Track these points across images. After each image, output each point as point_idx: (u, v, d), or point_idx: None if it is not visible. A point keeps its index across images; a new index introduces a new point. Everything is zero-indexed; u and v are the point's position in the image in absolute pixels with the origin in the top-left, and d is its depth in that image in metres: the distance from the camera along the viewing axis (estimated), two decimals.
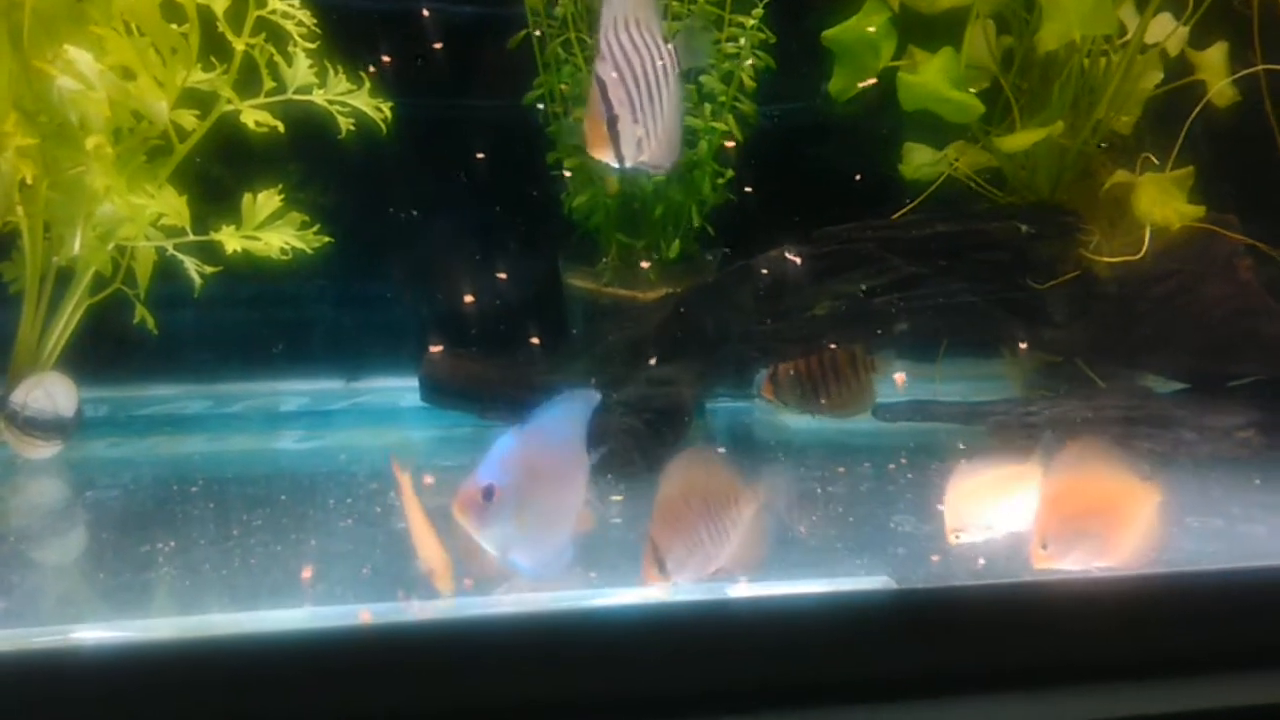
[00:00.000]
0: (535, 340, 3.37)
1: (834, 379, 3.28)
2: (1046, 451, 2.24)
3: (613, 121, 1.84)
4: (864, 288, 3.18)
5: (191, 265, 3.08)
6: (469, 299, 3.52)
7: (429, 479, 2.35)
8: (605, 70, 1.86)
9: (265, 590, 2.27)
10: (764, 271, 3.18)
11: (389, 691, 1.86)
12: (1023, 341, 3.25)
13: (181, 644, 1.91)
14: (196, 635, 1.98)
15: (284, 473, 3.07)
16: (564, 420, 1.90)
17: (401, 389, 3.50)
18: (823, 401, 3.29)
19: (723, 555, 2.00)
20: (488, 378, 3.29)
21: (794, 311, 3.21)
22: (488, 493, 1.81)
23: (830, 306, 3.17)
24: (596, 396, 1.90)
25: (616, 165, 1.91)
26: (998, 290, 3.21)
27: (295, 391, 3.62)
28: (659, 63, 1.91)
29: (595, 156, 1.91)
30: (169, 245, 3.06)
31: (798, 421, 3.60)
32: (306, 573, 2.33)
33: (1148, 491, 2.16)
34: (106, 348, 3.29)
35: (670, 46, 1.94)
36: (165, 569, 2.36)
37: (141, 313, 3.11)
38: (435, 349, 3.34)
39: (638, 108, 1.87)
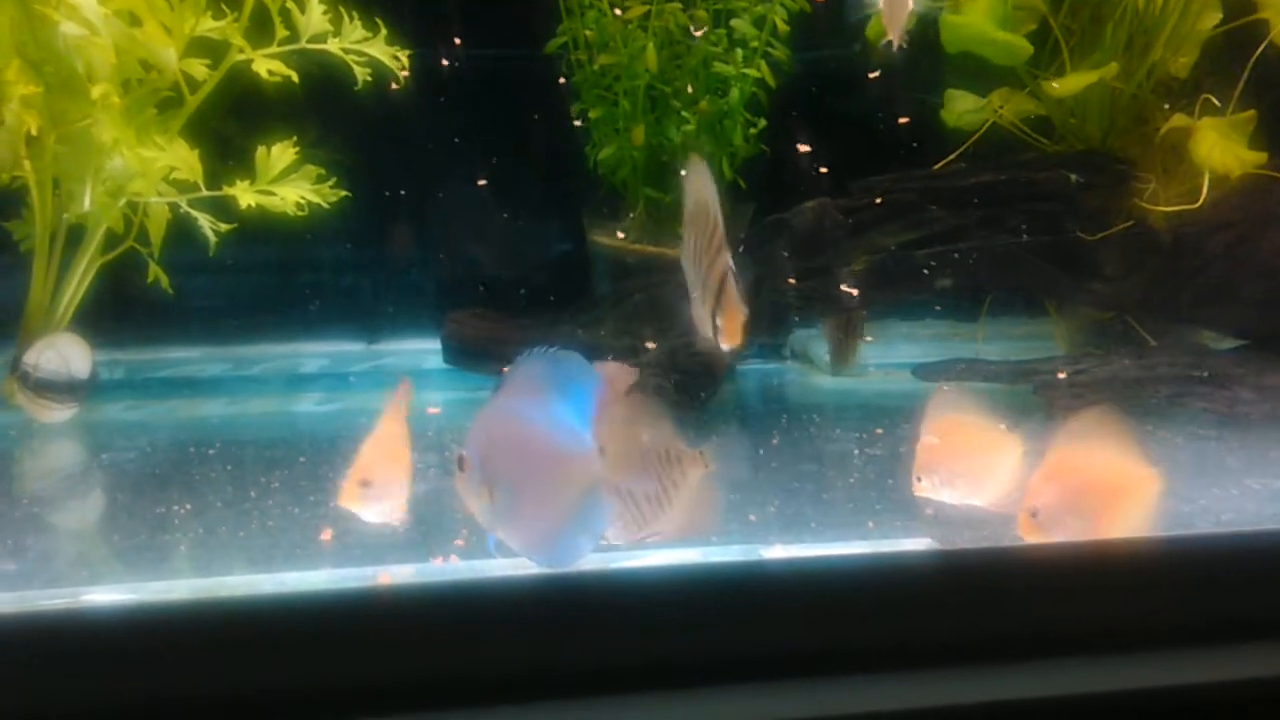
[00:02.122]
0: (560, 300, 3.25)
1: None
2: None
3: (744, 310, 1.86)
4: (904, 240, 3.03)
5: (206, 223, 2.98)
6: (492, 258, 3.40)
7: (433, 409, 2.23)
8: (732, 264, 1.85)
9: (282, 553, 2.19)
10: (799, 225, 3.04)
11: (401, 656, 1.76)
12: (1072, 296, 3.09)
13: (195, 606, 1.83)
14: (210, 597, 1.90)
15: (303, 435, 2.99)
16: (536, 384, 1.70)
17: (424, 350, 3.40)
18: None
19: (660, 519, 1.86)
20: (511, 339, 3.18)
21: (831, 266, 3.07)
22: (460, 461, 1.66)
23: (869, 261, 3.03)
24: (574, 355, 1.71)
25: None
26: (1046, 243, 3.06)
27: (315, 354, 3.53)
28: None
29: (728, 345, 1.88)
30: (182, 201, 2.97)
31: (831, 382, 3.48)
32: (325, 534, 2.24)
33: (1151, 478, 2.02)
34: (123, 309, 3.21)
35: None
36: (181, 531, 2.29)
37: (155, 272, 3.03)
38: (458, 310, 3.24)
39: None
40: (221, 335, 3.45)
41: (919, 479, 2.02)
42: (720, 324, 1.85)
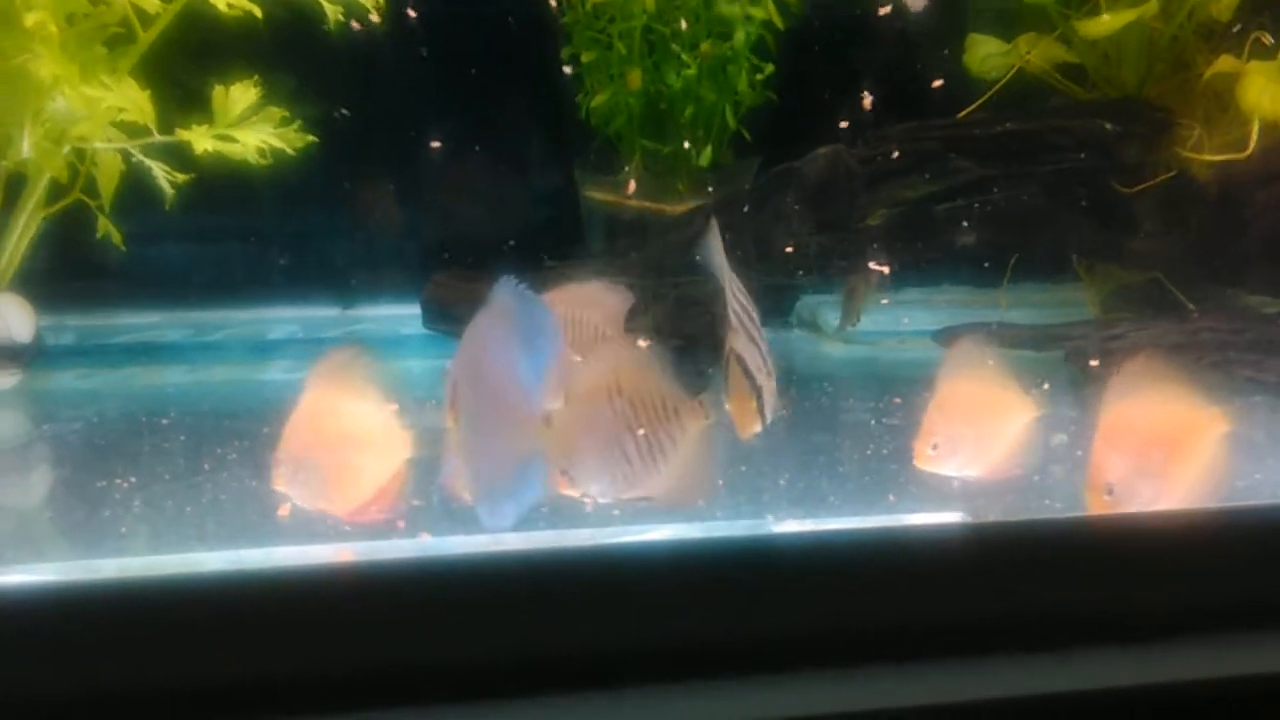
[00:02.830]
0: (550, 260, 2.99)
1: None
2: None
3: (759, 393, 1.66)
4: (924, 194, 2.79)
5: (161, 172, 2.72)
6: (477, 216, 3.15)
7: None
8: (740, 344, 1.66)
9: (234, 528, 1.96)
10: (810, 176, 2.79)
11: (359, 642, 1.51)
12: (1106, 255, 2.85)
13: (125, 586, 1.57)
14: (141, 577, 1.65)
15: (269, 406, 2.71)
16: (497, 325, 1.50)
17: (403, 315, 3.14)
18: None
19: (653, 479, 1.61)
20: None
21: (843, 222, 2.82)
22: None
23: (886, 215, 2.78)
24: (536, 302, 1.50)
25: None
26: (1078, 197, 2.82)
27: (284, 319, 3.26)
28: (750, 303, 1.73)
29: (745, 435, 1.70)
30: (134, 148, 2.70)
31: (843, 350, 3.24)
32: (284, 510, 2.00)
33: (1216, 419, 1.80)
34: (72, 268, 2.96)
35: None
36: (122, 507, 2.04)
37: (105, 226, 2.77)
38: (439, 271, 2.99)
39: (765, 364, 1.70)
40: (182, 298, 3.18)
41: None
42: (731, 411, 1.65)
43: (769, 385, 1.65)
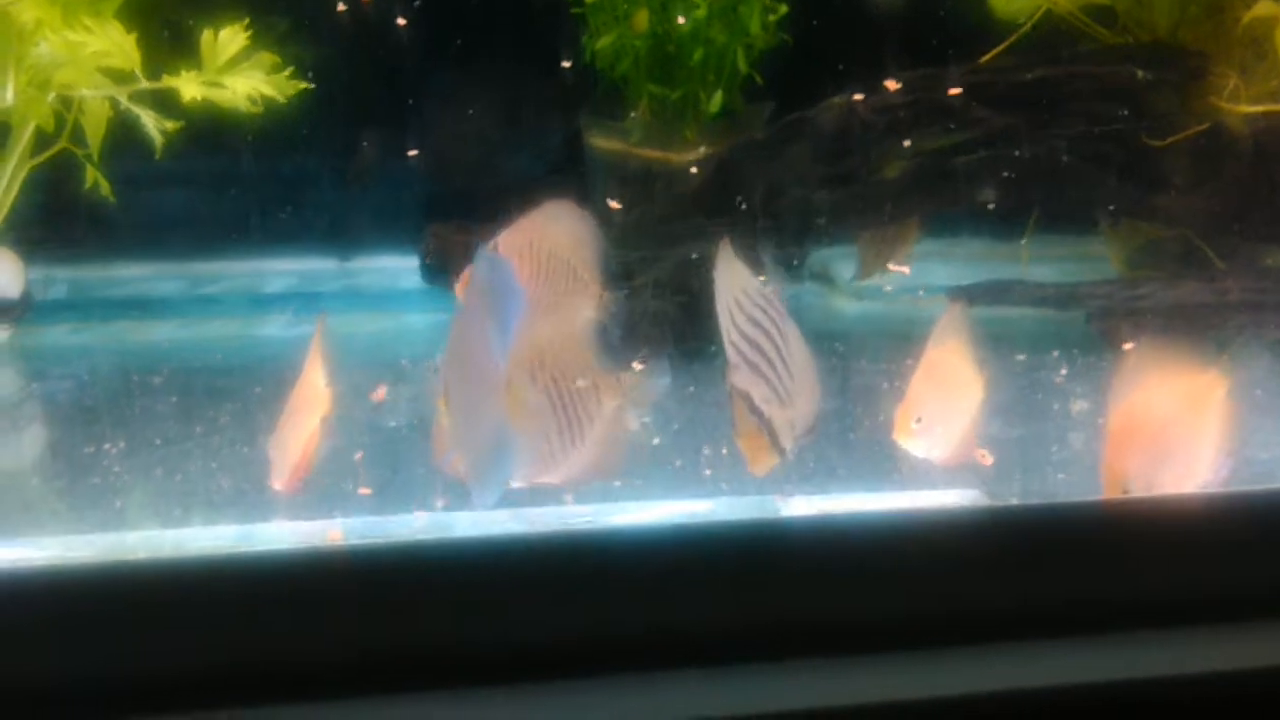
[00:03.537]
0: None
1: None
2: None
3: (769, 428, 1.57)
4: (944, 145, 2.67)
5: (150, 120, 2.62)
6: (478, 164, 3.04)
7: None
8: (742, 378, 1.55)
9: (224, 500, 1.90)
10: (824, 126, 2.66)
11: (346, 627, 1.44)
12: (1133, 210, 2.73)
13: (104, 569, 1.51)
14: (120, 560, 1.58)
15: (264, 363, 2.66)
16: (476, 305, 1.44)
17: (402, 269, 3.05)
18: None
19: (573, 460, 1.55)
20: None
21: (859, 174, 2.70)
22: None
23: (903, 167, 2.67)
24: (503, 265, 1.44)
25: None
26: (1106, 148, 2.69)
27: (282, 271, 3.18)
28: (776, 320, 1.61)
29: (759, 472, 1.61)
30: (122, 95, 2.60)
31: (856, 307, 3.14)
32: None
33: (1215, 383, 1.72)
34: (64, 220, 2.87)
35: (769, 288, 1.61)
36: (109, 474, 1.98)
37: (94, 175, 2.68)
38: (439, 223, 2.89)
39: (780, 391, 1.59)
40: (176, 250, 3.09)
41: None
42: (741, 447, 1.57)
43: (784, 415, 1.55)
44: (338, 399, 1.82)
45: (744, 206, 2.82)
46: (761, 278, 1.56)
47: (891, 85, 2.71)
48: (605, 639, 1.45)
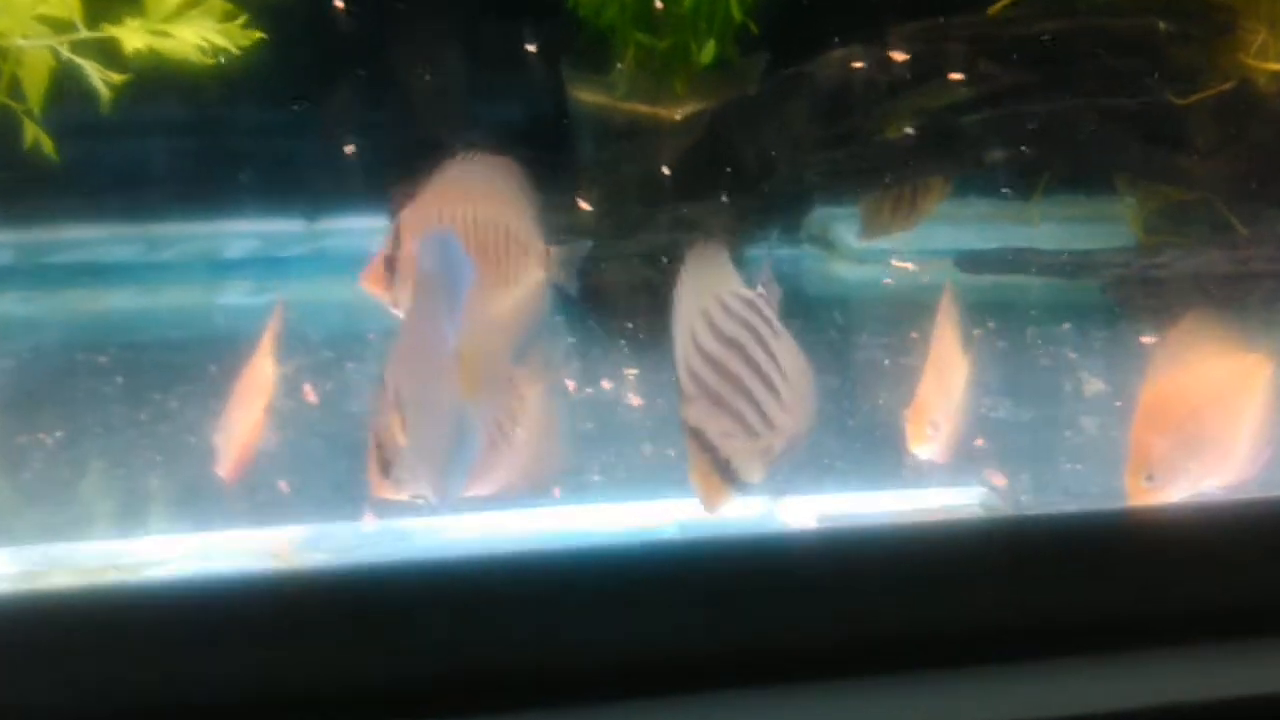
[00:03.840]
0: (533, 170, 2.71)
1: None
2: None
3: (723, 466, 1.37)
4: (950, 102, 2.49)
5: (94, 71, 2.41)
6: (452, 119, 2.85)
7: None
8: (696, 412, 1.35)
9: (169, 500, 1.74)
10: (823, 81, 2.47)
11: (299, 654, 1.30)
12: (1153, 173, 2.57)
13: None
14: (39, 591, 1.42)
15: (221, 336, 2.49)
16: (425, 298, 1.29)
17: (373, 230, 2.86)
18: None
19: (499, 464, 1.40)
20: None
21: (860, 133, 2.53)
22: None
23: (906, 126, 2.50)
24: (452, 244, 1.26)
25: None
26: (1125, 107, 2.52)
27: (244, 233, 2.99)
28: (760, 331, 1.38)
29: (711, 510, 1.39)
30: (61, 45, 2.39)
31: (857, 273, 2.98)
32: None
33: (1259, 365, 1.57)
34: (7, 181, 2.67)
35: (759, 293, 1.39)
36: (43, 469, 1.82)
37: (34, 133, 2.47)
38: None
39: (750, 419, 1.38)
40: (131, 211, 2.89)
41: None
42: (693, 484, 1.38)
43: (751, 446, 1.37)
44: (284, 382, 1.68)
45: (737, 166, 2.65)
46: (760, 284, 1.38)
47: (895, 38, 2.52)
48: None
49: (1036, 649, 1.37)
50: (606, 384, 2.23)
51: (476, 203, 1.55)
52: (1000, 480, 1.71)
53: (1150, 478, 1.49)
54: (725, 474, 1.35)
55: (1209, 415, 1.53)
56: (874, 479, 1.87)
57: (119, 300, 2.70)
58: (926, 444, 1.56)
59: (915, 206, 2.59)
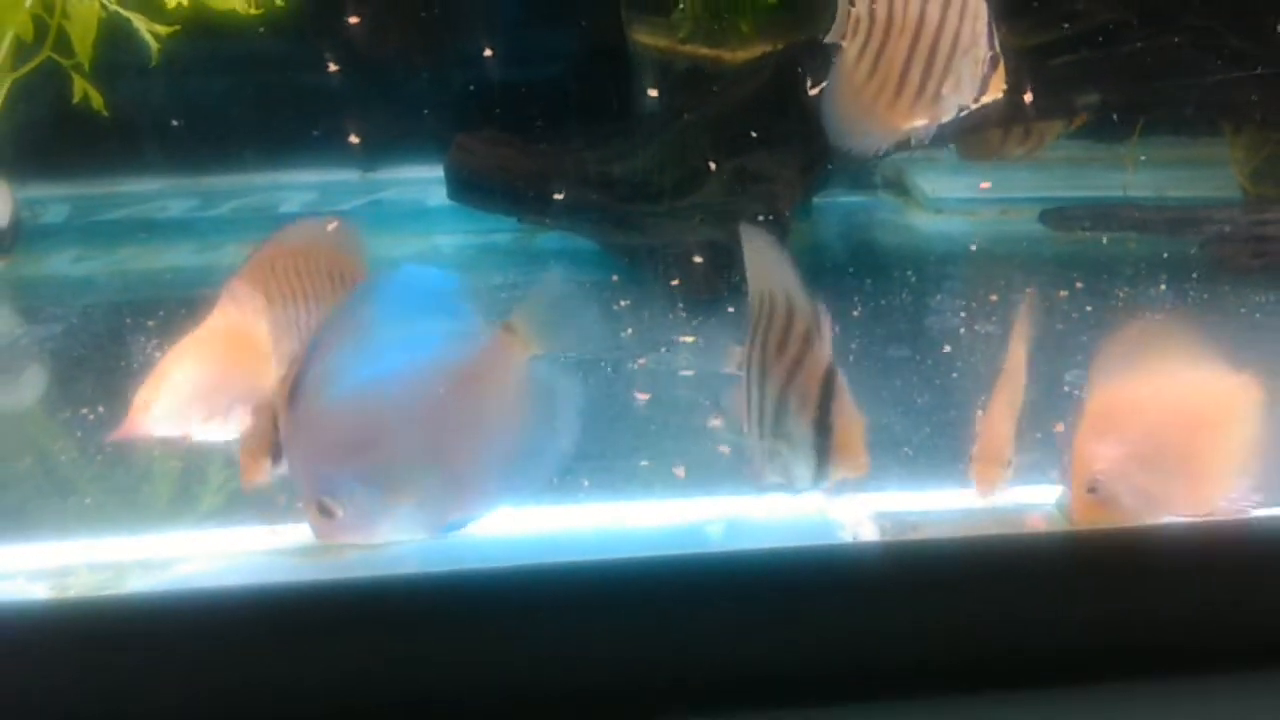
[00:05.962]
0: (590, 119, 2.58)
1: None
2: None
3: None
4: (1040, 42, 2.29)
5: (141, 24, 2.35)
6: (508, 65, 2.73)
7: None
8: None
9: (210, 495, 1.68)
10: None
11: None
12: (1262, 119, 2.34)
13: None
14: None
15: None
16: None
17: (429, 181, 2.79)
18: None
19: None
20: (529, 169, 2.55)
21: None
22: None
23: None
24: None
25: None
26: (1232, 45, 2.29)
27: (300, 185, 2.92)
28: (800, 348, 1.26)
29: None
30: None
31: (935, 223, 2.81)
32: None
33: (1244, 388, 1.36)
34: (60, 138, 2.63)
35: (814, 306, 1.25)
36: (81, 453, 1.77)
37: (82, 87, 2.43)
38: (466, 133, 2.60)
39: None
40: (186, 165, 2.84)
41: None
42: (834, 444, 1.23)
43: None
44: None
45: (804, 111, 2.48)
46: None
47: None
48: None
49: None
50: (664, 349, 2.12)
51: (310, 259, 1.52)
52: None
53: (1092, 489, 1.32)
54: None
55: (1175, 434, 1.34)
56: (943, 474, 1.71)
57: (175, 258, 2.66)
58: (998, 487, 1.40)
59: (1031, 139, 2.40)
